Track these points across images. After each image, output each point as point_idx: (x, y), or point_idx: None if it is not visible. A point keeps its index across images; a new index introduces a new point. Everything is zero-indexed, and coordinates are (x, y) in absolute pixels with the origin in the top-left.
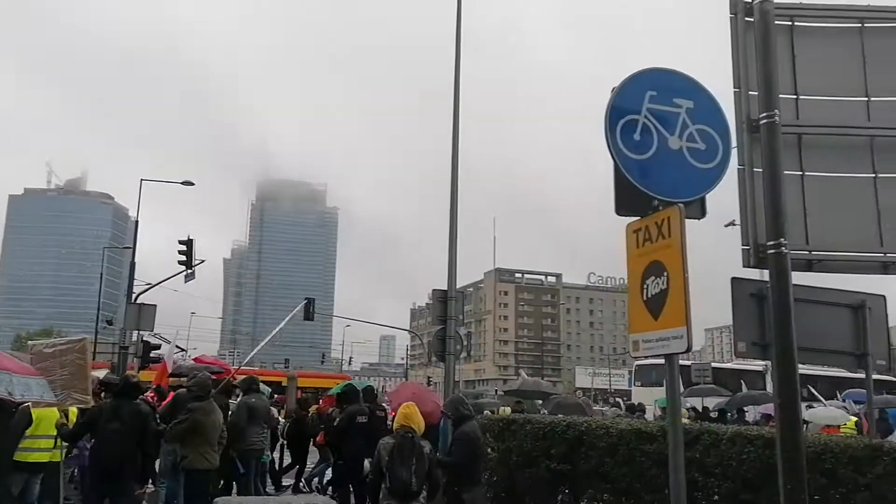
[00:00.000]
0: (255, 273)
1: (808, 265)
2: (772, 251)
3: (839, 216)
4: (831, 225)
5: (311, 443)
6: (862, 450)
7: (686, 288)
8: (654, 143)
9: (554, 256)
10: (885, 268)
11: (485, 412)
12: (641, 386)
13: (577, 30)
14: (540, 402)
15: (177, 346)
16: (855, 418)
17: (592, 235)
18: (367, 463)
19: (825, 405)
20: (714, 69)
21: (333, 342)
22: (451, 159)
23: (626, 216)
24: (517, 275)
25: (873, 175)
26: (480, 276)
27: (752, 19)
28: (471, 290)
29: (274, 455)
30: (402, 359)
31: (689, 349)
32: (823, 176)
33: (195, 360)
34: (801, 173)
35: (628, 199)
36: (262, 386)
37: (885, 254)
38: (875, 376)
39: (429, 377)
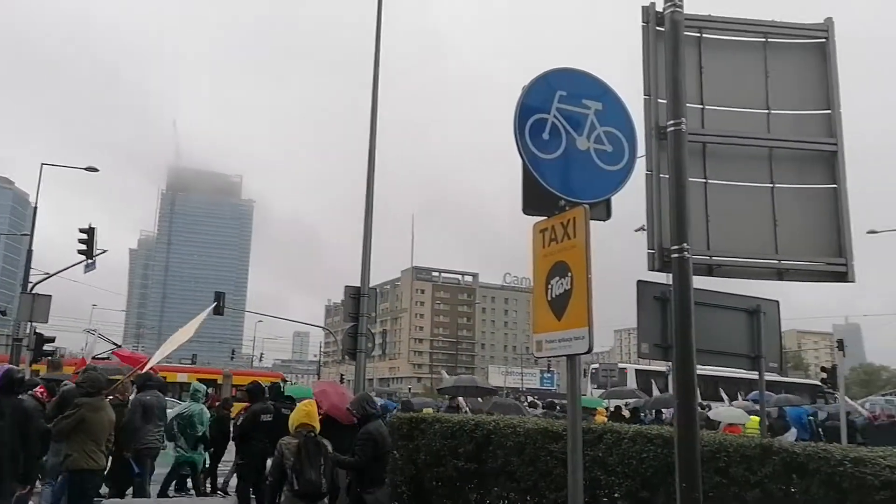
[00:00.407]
0: (163, 265)
1: (709, 270)
2: (675, 255)
3: (739, 223)
4: (731, 232)
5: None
6: (753, 449)
7: (589, 289)
8: (562, 143)
9: (471, 256)
10: (780, 274)
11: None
12: (598, 388)
13: (493, 33)
14: (480, 399)
15: (112, 342)
16: (757, 417)
17: (509, 236)
18: (269, 462)
19: (729, 405)
20: (628, 76)
21: (245, 338)
22: (368, 157)
23: (534, 216)
24: (434, 273)
25: (771, 185)
26: (398, 274)
27: (662, 29)
28: (388, 287)
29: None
30: (315, 356)
31: (590, 350)
32: (725, 184)
33: (114, 353)
34: (704, 181)
35: (536, 198)
36: (197, 384)
37: (779, 261)
38: (779, 378)
39: (342, 374)
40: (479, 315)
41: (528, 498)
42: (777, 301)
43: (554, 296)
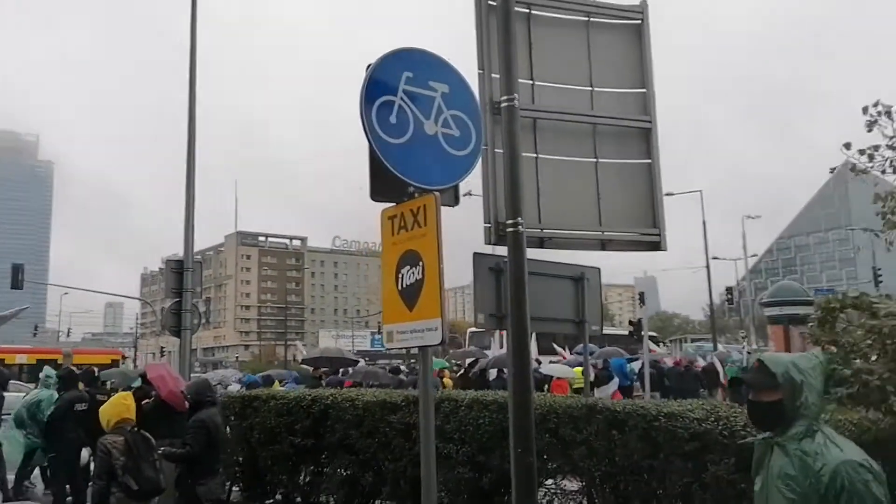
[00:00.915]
0: None
1: (541, 242)
2: (510, 229)
3: (567, 197)
4: (560, 205)
5: None
6: (580, 409)
7: (441, 279)
8: (410, 127)
9: (298, 220)
10: (603, 245)
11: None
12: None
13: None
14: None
15: None
16: (580, 367)
17: (337, 199)
18: (85, 453)
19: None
20: (461, 50)
21: (49, 312)
22: (188, 116)
23: (382, 202)
24: (261, 238)
25: (595, 160)
26: (221, 240)
27: (494, 3)
28: (210, 253)
29: None
30: (131, 328)
31: (443, 342)
32: (554, 159)
33: None
34: (535, 156)
35: (383, 184)
36: (49, 369)
37: (603, 232)
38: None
39: (162, 347)
40: (309, 280)
41: (367, 470)
42: (598, 268)
43: (405, 285)
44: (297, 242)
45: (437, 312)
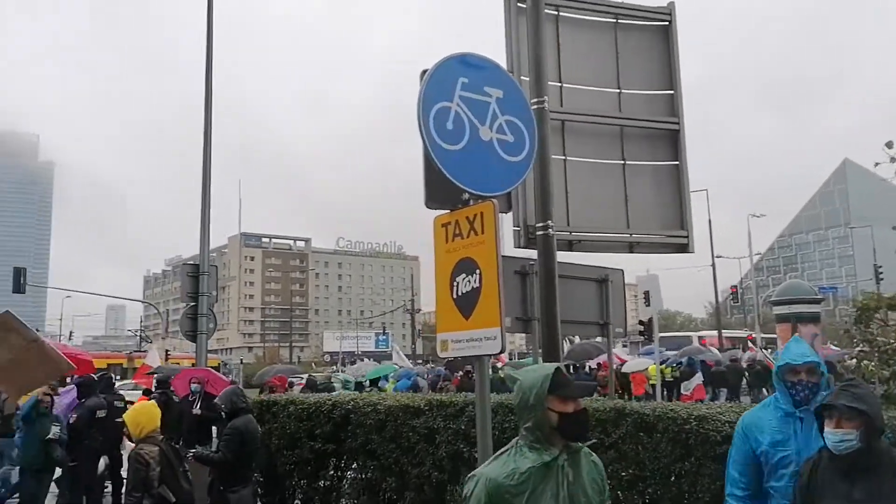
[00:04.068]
0: None
1: (569, 245)
2: (540, 233)
3: (595, 199)
4: (588, 207)
5: None
6: (608, 412)
7: (500, 288)
8: (466, 133)
9: (302, 221)
10: (631, 247)
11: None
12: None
13: None
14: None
15: None
16: (653, 364)
17: (342, 201)
18: (102, 462)
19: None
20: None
21: (49, 315)
22: (205, 120)
23: (436, 209)
24: (264, 239)
25: (622, 162)
26: (224, 241)
27: (524, 5)
28: (213, 255)
29: None
30: (134, 331)
31: (503, 350)
32: (582, 161)
33: None
34: (564, 158)
35: (438, 191)
36: None
37: (630, 234)
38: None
39: (167, 350)
40: (313, 281)
41: (389, 475)
42: (622, 269)
43: (460, 293)
44: (300, 244)
45: (497, 321)
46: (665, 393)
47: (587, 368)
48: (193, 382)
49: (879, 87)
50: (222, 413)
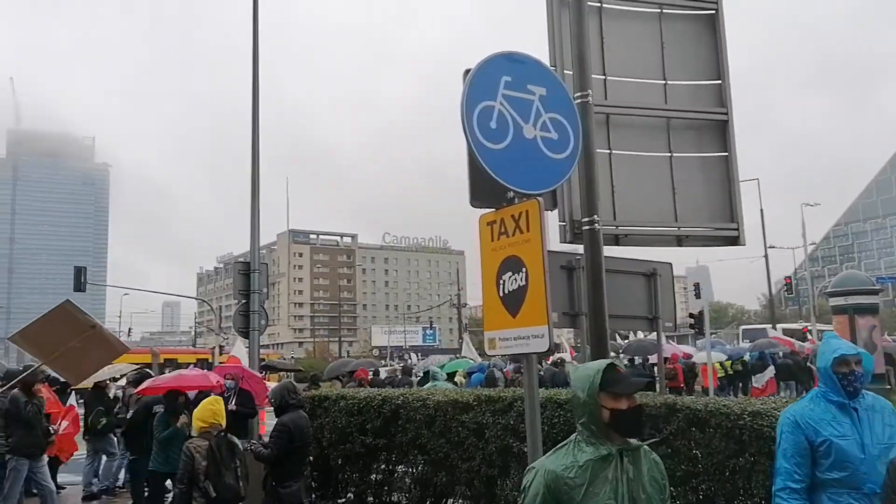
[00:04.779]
0: (6, 237)
1: (616, 240)
2: (586, 227)
3: (642, 193)
4: (635, 201)
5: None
6: (659, 408)
7: (547, 286)
8: (510, 131)
9: (349, 217)
10: (679, 241)
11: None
12: None
13: None
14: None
15: None
16: (724, 356)
17: (387, 195)
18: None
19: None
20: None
21: (108, 313)
22: (252, 119)
23: (481, 207)
24: (312, 236)
25: (669, 154)
26: (273, 239)
27: None
28: (263, 252)
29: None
30: (190, 327)
31: (550, 350)
32: (628, 154)
33: None
34: (609, 152)
35: (482, 189)
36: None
37: (679, 228)
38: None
39: (221, 346)
40: (360, 276)
41: (440, 470)
42: (670, 263)
43: (507, 291)
44: (347, 239)
45: (544, 319)
46: (730, 387)
47: (643, 363)
48: (228, 378)
49: None
50: (271, 408)
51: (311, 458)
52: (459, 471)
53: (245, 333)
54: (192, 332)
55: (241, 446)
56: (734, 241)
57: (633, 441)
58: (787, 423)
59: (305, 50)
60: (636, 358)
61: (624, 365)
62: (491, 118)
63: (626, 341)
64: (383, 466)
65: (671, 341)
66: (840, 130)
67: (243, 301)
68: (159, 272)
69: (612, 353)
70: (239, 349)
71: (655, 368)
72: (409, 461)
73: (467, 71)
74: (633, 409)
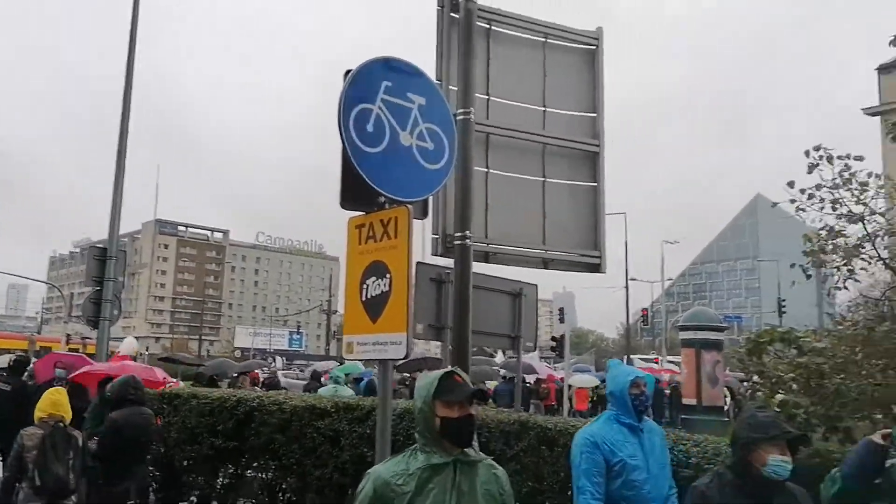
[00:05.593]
0: None
1: (486, 257)
2: (458, 242)
3: (514, 214)
4: (507, 221)
5: None
6: (512, 424)
7: (409, 293)
8: (386, 136)
9: (227, 213)
10: (546, 264)
11: None
12: None
13: None
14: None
15: None
16: (597, 381)
17: (265, 194)
18: None
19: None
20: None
21: None
22: (123, 100)
23: (351, 210)
24: (181, 228)
25: (543, 179)
26: (138, 227)
27: (457, 16)
28: (125, 240)
29: None
30: (37, 312)
31: (407, 356)
32: (504, 175)
33: None
34: (486, 170)
35: (353, 192)
36: None
37: (546, 250)
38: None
39: (68, 335)
40: (228, 274)
41: (290, 475)
42: (536, 285)
43: (369, 296)
44: (218, 235)
45: (403, 326)
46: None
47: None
48: (59, 367)
49: (790, 122)
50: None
51: (150, 457)
52: (311, 478)
53: (95, 323)
54: (39, 318)
55: (80, 440)
56: (596, 268)
57: (473, 453)
58: (586, 444)
59: (195, 38)
60: (513, 375)
61: (501, 380)
62: (368, 121)
63: (506, 359)
64: (231, 470)
65: (548, 363)
66: (709, 169)
67: (96, 289)
68: (5, 250)
69: (494, 369)
70: (129, 345)
71: (540, 386)
72: (260, 466)
73: (348, 71)
74: (464, 417)
